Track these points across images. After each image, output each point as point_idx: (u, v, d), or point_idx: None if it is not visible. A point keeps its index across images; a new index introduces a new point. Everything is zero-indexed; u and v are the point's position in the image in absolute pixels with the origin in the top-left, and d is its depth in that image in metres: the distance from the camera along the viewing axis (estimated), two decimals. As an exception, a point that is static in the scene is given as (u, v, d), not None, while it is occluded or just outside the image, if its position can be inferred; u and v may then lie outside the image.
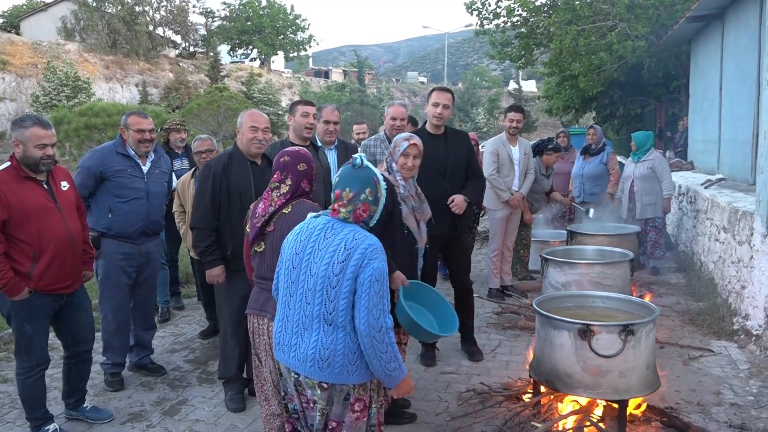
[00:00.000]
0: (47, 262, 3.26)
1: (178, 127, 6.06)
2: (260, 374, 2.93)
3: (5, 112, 28.34)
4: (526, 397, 3.66)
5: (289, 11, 48.25)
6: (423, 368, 4.42)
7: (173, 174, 5.57)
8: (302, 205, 2.74)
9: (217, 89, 27.59)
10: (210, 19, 46.23)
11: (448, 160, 4.41)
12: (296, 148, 2.92)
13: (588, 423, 3.24)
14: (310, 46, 51.10)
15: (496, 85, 62.24)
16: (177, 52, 44.05)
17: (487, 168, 5.93)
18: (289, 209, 2.74)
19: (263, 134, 3.72)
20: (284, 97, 41.08)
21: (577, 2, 13.50)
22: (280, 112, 33.84)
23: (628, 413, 3.23)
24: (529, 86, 55.43)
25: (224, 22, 46.52)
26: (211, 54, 38.62)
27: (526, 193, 6.18)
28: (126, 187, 4.07)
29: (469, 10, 16.03)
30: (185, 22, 41.84)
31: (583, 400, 3.31)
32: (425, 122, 4.61)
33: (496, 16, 15.77)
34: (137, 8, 37.63)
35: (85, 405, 3.74)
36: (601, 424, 3.21)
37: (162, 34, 41.20)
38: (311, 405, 2.33)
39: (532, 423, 3.36)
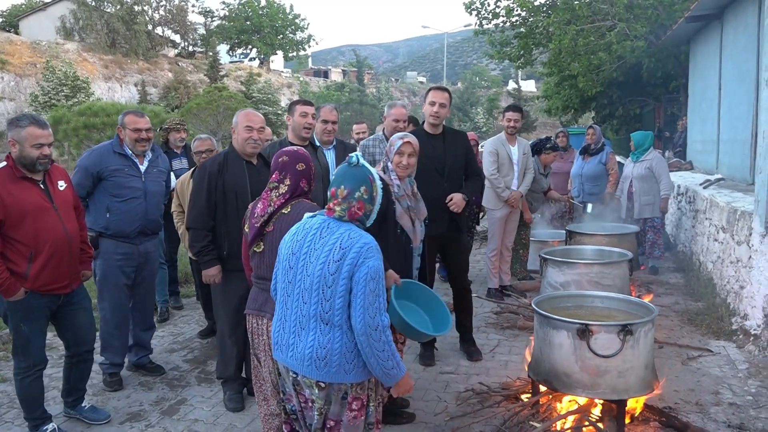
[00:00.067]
0: (43, 263, 3.25)
1: (178, 126, 6.05)
2: (259, 374, 2.93)
3: (4, 112, 28.28)
4: (525, 397, 3.66)
5: (288, 11, 48.21)
6: (422, 368, 4.43)
7: (172, 174, 5.58)
8: (301, 205, 2.74)
9: (216, 89, 27.57)
10: (209, 19, 46.18)
11: (447, 160, 4.41)
12: (295, 147, 2.92)
13: (586, 423, 3.25)
14: (309, 46, 51.06)
15: (495, 85, 62.27)
16: (176, 51, 44.00)
17: (488, 168, 5.94)
18: (289, 209, 2.74)
19: (258, 134, 3.71)
20: (283, 96, 41.05)
21: (576, 2, 13.50)
22: (280, 112, 33.83)
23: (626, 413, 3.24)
24: (529, 86, 55.43)
25: (223, 22, 46.48)
26: (210, 53, 38.56)
27: (525, 192, 6.18)
28: (123, 187, 4.06)
29: (468, 10, 16.02)
30: (184, 22, 41.78)
31: (582, 400, 3.31)
32: (424, 122, 4.62)
33: (495, 16, 15.77)
34: (136, 8, 37.58)
35: (83, 404, 3.74)
36: (599, 424, 3.21)
37: (161, 34, 41.14)
38: (309, 404, 2.33)
39: (531, 423, 3.36)
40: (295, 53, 50.53)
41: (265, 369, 2.88)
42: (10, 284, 3.18)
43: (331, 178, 2.56)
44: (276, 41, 47.51)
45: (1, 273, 3.14)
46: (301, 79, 51.76)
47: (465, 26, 29.84)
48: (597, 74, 13.52)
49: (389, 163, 3.47)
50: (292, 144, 4.04)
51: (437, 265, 6.19)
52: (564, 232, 6.39)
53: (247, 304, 2.92)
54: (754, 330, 4.65)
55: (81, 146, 17.43)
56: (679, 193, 8.27)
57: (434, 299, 2.99)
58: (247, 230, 2.85)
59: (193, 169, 5.06)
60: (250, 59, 49.74)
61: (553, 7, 14.58)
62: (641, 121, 15.75)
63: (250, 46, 48.26)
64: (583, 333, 3.07)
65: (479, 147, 7.90)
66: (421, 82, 67.18)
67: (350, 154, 2.38)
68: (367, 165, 2.37)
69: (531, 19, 15.07)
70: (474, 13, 15.98)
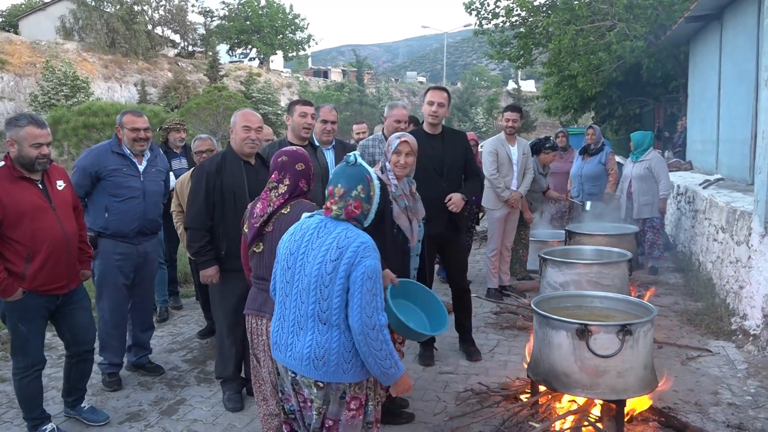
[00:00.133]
0: (41, 263, 3.24)
1: (177, 126, 6.05)
2: (258, 374, 2.93)
3: (3, 112, 28.26)
4: (524, 397, 3.66)
5: (288, 11, 48.19)
6: (421, 368, 4.42)
7: (172, 173, 5.58)
8: (301, 205, 2.74)
9: (215, 89, 27.56)
10: (209, 19, 46.16)
11: (445, 160, 4.41)
12: (294, 147, 2.92)
13: (586, 423, 3.25)
14: (309, 46, 51.05)
15: (495, 85, 62.28)
16: (176, 51, 43.98)
17: (488, 168, 5.94)
18: (288, 210, 2.74)
19: (256, 134, 3.71)
20: (283, 96, 41.04)
21: (575, 2, 13.50)
22: (279, 112, 33.81)
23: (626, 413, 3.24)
24: (528, 86, 55.43)
25: (223, 22, 46.46)
26: (210, 53, 38.55)
27: (525, 192, 6.18)
28: (122, 186, 4.06)
29: (468, 10, 16.01)
30: (184, 22, 41.77)
31: (581, 400, 3.31)
32: (424, 122, 4.62)
33: (495, 16, 15.76)
34: (136, 7, 37.55)
35: (82, 405, 3.73)
36: (598, 424, 3.21)
37: (161, 34, 41.13)
38: (308, 404, 2.34)
39: (530, 423, 3.36)
40: (294, 53, 50.52)
41: (264, 369, 2.88)
42: (7, 284, 3.17)
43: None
44: (276, 41, 47.50)
45: None
46: (301, 79, 51.75)
47: (465, 26, 29.85)
48: (597, 74, 13.51)
49: (387, 163, 3.47)
50: (292, 144, 4.04)
51: (437, 266, 6.19)
52: (563, 232, 6.39)
53: (246, 304, 2.92)
54: (754, 330, 4.65)
55: (80, 146, 17.40)
56: (679, 193, 8.27)
57: (432, 298, 2.99)
58: (246, 230, 2.85)
59: (192, 168, 5.06)
60: (250, 59, 49.73)
61: (552, 7, 14.57)
62: (641, 121, 15.74)
63: (249, 46, 48.25)
64: (583, 333, 3.07)
65: (479, 147, 7.89)
66: (421, 82, 67.18)
67: (348, 154, 2.38)
68: (365, 164, 2.38)
69: (531, 19, 15.07)
70: (474, 13, 15.98)
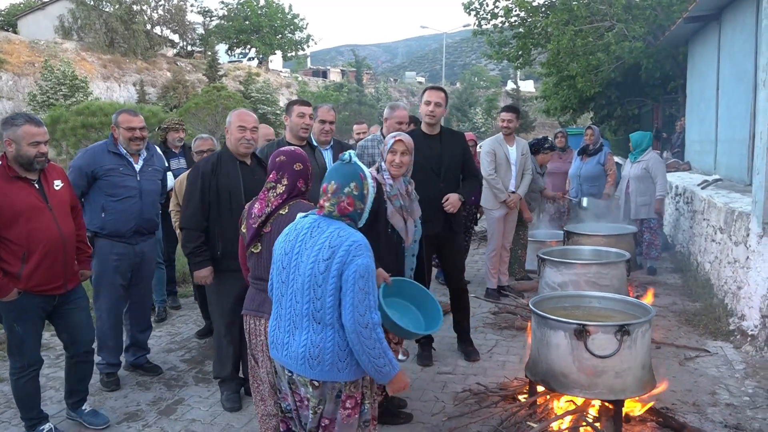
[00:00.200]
0: (36, 263, 3.23)
1: (176, 126, 6.05)
2: (256, 374, 2.93)
3: (2, 111, 28.21)
4: (522, 397, 3.66)
5: (287, 11, 48.17)
6: (420, 368, 4.42)
7: (171, 173, 5.57)
8: (299, 205, 2.74)
9: (214, 88, 27.53)
10: (208, 19, 46.11)
11: (443, 160, 4.41)
12: (292, 147, 2.92)
13: (584, 423, 3.25)
14: (308, 46, 51.02)
15: (494, 85, 62.28)
16: (175, 51, 43.95)
17: (485, 168, 5.94)
18: (286, 210, 2.74)
19: (251, 134, 3.70)
20: (282, 96, 41.01)
21: (574, 3, 13.50)
22: (278, 112, 33.79)
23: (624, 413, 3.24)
24: (527, 86, 55.43)
25: (222, 22, 46.42)
26: (209, 53, 38.50)
27: (524, 194, 6.18)
28: (118, 186, 4.05)
29: (467, 10, 16.02)
30: (183, 22, 41.73)
31: (579, 400, 3.31)
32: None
33: (494, 16, 15.76)
34: (135, 7, 37.52)
35: (83, 408, 3.69)
36: (596, 424, 3.21)
37: (160, 33, 41.09)
38: (304, 403, 2.35)
39: (528, 423, 3.37)
40: (293, 53, 50.48)
41: (262, 369, 2.88)
42: (2, 284, 3.16)
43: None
44: (275, 41, 47.47)
45: None
46: (300, 79, 51.73)
47: (464, 26, 29.87)
48: (595, 75, 13.52)
49: (383, 163, 3.47)
50: (290, 144, 4.04)
51: (436, 269, 6.19)
52: (562, 232, 6.39)
53: (245, 305, 2.92)
54: (752, 330, 4.65)
55: (79, 146, 17.37)
56: (677, 193, 8.27)
57: (427, 297, 2.99)
58: (244, 231, 2.85)
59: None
60: (249, 59, 49.70)
61: (551, 7, 14.57)
62: (639, 122, 15.76)
63: (248, 46, 48.21)
64: (581, 333, 3.07)
65: (477, 147, 7.90)
66: (420, 82, 67.18)
67: (343, 152, 2.39)
68: (359, 163, 2.39)
69: (529, 19, 15.07)
70: (473, 13, 15.98)
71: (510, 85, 54.76)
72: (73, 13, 36.02)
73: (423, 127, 4.52)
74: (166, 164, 5.54)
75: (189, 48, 44.74)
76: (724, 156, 8.14)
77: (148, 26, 38.91)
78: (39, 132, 3.23)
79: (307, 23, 49.60)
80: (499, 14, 15.57)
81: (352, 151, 2.41)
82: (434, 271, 6.35)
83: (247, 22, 46.10)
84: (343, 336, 2.21)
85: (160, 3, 39.97)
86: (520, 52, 15.95)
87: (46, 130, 3.32)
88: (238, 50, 48.92)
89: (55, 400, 3.99)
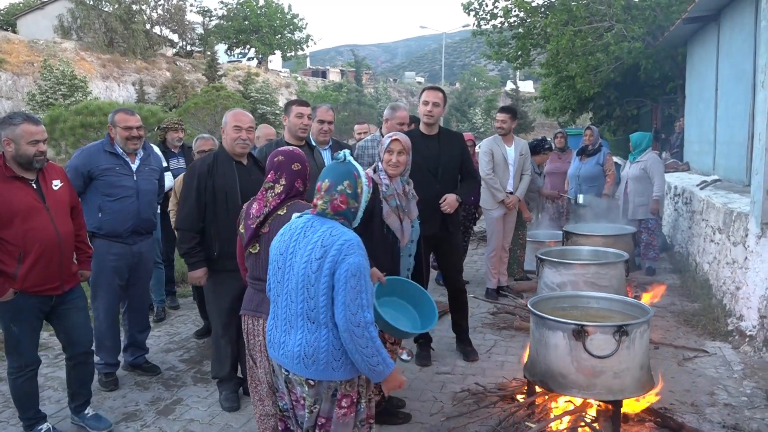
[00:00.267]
0: (32, 263, 3.21)
1: (175, 126, 6.05)
2: (254, 375, 2.93)
3: (1, 110, 28.21)
4: (521, 398, 3.66)
5: (286, 11, 48.16)
6: (418, 368, 4.42)
7: (170, 173, 5.58)
8: (297, 206, 2.74)
9: (214, 88, 27.51)
10: (207, 18, 46.08)
11: (441, 161, 4.41)
12: (290, 147, 2.92)
13: (582, 423, 3.25)
14: (307, 46, 51.00)
15: (493, 86, 62.28)
16: (174, 51, 43.93)
17: (483, 168, 5.95)
18: (285, 211, 2.74)
19: (247, 133, 3.70)
20: (281, 96, 40.99)
21: (573, 3, 13.50)
22: (277, 112, 33.78)
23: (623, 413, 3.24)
24: (527, 87, 55.46)
25: (221, 21, 46.40)
26: (209, 53, 38.47)
27: (523, 195, 6.18)
28: (115, 186, 4.03)
29: (467, 11, 16.03)
30: (182, 21, 41.70)
31: (578, 401, 3.32)
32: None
33: (493, 16, 15.77)
34: (134, 7, 37.49)
35: (86, 411, 3.64)
36: (595, 425, 3.22)
37: (159, 33, 41.08)
38: (300, 402, 2.36)
39: (527, 423, 3.37)
40: (293, 53, 50.47)
41: (260, 369, 2.88)
42: None
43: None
44: (274, 41, 47.45)
45: None
46: (299, 79, 51.72)
47: (463, 27, 29.85)
48: (594, 75, 13.53)
49: (380, 163, 3.47)
50: (289, 144, 4.04)
51: (436, 271, 6.20)
52: (561, 232, 6.40)
53: (243, 305, 2.92)
54: (750, 331, 4.65)
55: (78, 145, 17.34)
56: (676, 194, 8.28)
57: (423, 296, 2.99)
58: (242, 231, 2.85)
59: (189, 168, 5.05)
60: (248, 59, 49.68)
61: (550, 8, 14.58)
62: (638, 122, 15.76)
63: (248, 46, 48.20)
64: (579, 334, 3.07)
65: (476, 147, 7.92)
66: (420, 83, 67.20)
67: (338, 152, 2.40)
68: (354, 162, 2.39)
69: (529, 20, 15.08)
70: (472, 13, 15.99)
71: (509, 86, 54.79)
72: (72, 13, 36.00)
73: (421, 128, 4.52)
74: (165, 164, 5.54)
75: (188, 48, 44.72)
76: (722, 156, 8.15)
77: (148, 26, 38.90)
78: (37, 131, 3.22)
79: (307, 23, 49.60)
80: (499, 15, 15.58)
81: (346, 151, 2.42)
82: (435, 273, 6.35)
83: (246, 22, 46.09)
84: (337, 335, 2.22)
85: (159, 3, 39.95)
86: (519, 53, 15.96)
87: (44, 128, 3.31)
88: (238, 50, 48.91)
89: (54, 400, 3.99)
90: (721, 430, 3.44)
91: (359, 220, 2.40)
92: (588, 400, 3.26)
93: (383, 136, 5.00)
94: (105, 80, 34.16)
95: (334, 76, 60.98)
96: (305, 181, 2.82)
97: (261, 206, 2.77)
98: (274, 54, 49.57)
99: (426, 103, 4.41)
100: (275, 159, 2.79)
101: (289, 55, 50.52)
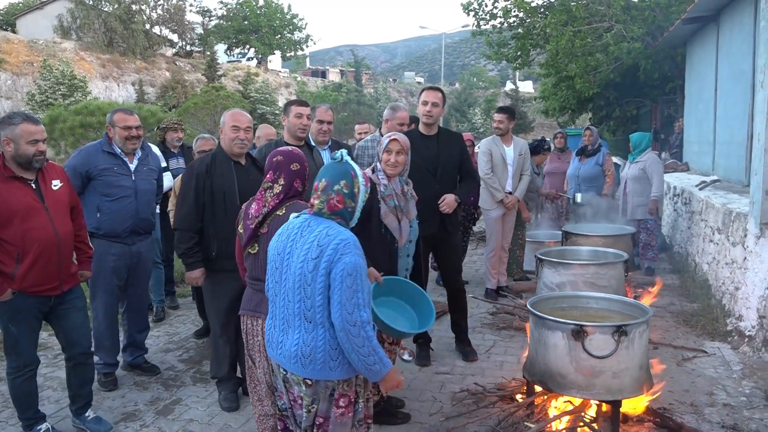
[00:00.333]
0: (30, 263, 3.20)
1: (175, 126, 6.05)
2: (253, 375, 2.93)
3: (0, 110, 28.20)
4: (520, 398, 3.67)
5: (286, 11, 48.17)
6: (417, 368, 4.43)
7: (170, 173, 5.58)
8: (296, 206, 2.74)
9: (213, 88, 27.51)
10: (207, 18, 46.08)
11: (440, 161, 4.41)
12: (289, 147, 2.92)
13: (581, 423, 3.25)
14: (307, 46, 51.02)
15: (492, 86, 62.36)
16: (174, 51, 43.93)
17: (482, 168, 5.95)
18: (283, 211, 2.74)
19: (245, 133, 3.70)
20: (281, 96, 41.00)
21: (573, 3, 13.51)
22: (277, 112, 33.81)
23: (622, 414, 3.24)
24: (526, 87, 55.49)
25: (221, 22, 46.40)
26: (208, 53, 38.48)
27: (522, 196, 6.18)
28: (113, 186, 4.03)
29: (466, 11, 16.05)
30: (182, 21, 41.70)
31: (577, 401, 3.32)
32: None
33: (493, 16, 15.78)
34: (134, 7, 37.49)
35: (87, 414, 3.62)
36: (594, 425, 3.22)
37: (159, 33, 41.07)
38: (298, 401, 2.36)
39: (526, 423, 3.37)
40: (293, 53, 50.48)
41: (259, 370, 2.88)
42: None
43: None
44: (274, 41, 47.46)
45: None
46: (299, 79, 51.74)
47: (463, 27, 29.82)
48: (594, 75, 13.53)
49: (378, 163, 3.47)
50: (288, 144, 4.04)
51: (437, 273, 6.20)
52: (560, 232, 6.40)
53: (242, 305, 2.92)
54: (749, 331, 4.66)
55: (77, 145, 17.32)
56: (675, 194, 8.28)
57: (422, 296, 3.00)
58: (241, 231, 2.85)
59: (188, 169, 5.04)
60: (248, 59, 49.69)
61: (550, 8, 14.59)
62: (638, 123, 15.78)
63: (247, 46, 48.21)
64: (578, 334, 3.07)
65: (475, 148, 7.92)
66: (419, 83, 67.27)
67: (335, 152, 2.41)
68: (351, 162, 2.40)
69: (528, 20, 15.09)
70: (471, 13, 16.01)
71: (509, 86, 54.80)
72: (72, 13, 35.99)
73: (420, 128, 4.52)
74: (165, 164, 5.54)
75: (188, 48, 44.72)
76: (722, 157, 8.15)
77: (147, 26, 38.90)
78: (37, 130, 3.22)
79: (306, 23, 49.61)
80: (498, 15, 15.59)
81: (343, 150, 2.43)
82: (436, 274, 6.35)
83: (246, 22, 46.10)
84: (334, 335, 2.22)
85: (159, 3, 39.95)
86: (518, 53, 15.97)
87: (43, 128, 3.31)
88: (237, 50, 48.92)
89: (53, 400, 3.99)
90: (720, 430, 3.44)
91: (356, 220, 2.40)
92: (587, 400, 3.26)
93: (381, 135, 5.03)
94: (104, 80, 34.16)
95: (333, 76, 61.00)
96: (304, 182, 2.82)
97: (260, 206, 2.78)
98: (274, 54, 49.58)
99: (425, 103, 4.42)
100: (274, 159, 2.79)
101: (288, 55, 50.54)
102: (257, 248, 2.79)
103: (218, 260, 3.64)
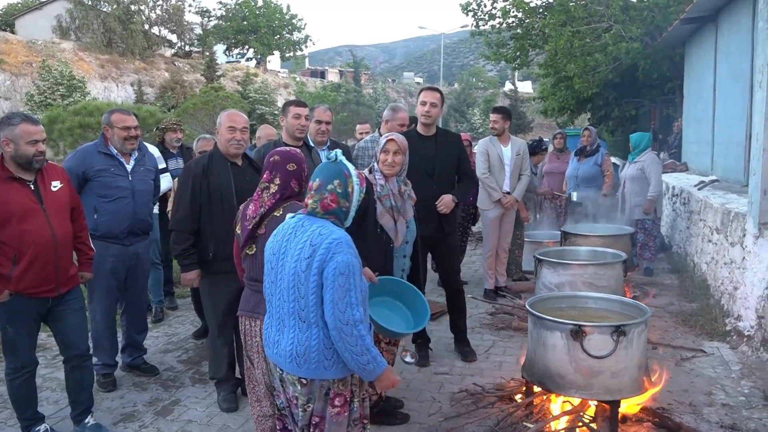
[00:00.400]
0: (27, 265, 3.18)
1: (174, 126, 6.04)
2: (252, 376, 2.93)
3: (-1, 111, 28.22)
4: (519, 398, 3.67)
5: (285, 11, 48.20)
6: (416, 369, 4.42)
7: (169, 174, 5.57)
8: (293, 207, 2.74)
9: (212, 89, 27.55)
10: (206, 19, 46.13)
11: (437, 161, 4.41)
12: (287, 148, 2.92)
13: (580, 423, 3.26)
14: (306, 46, 51.08)
15: (492, 86, 62.44)
16: (173, 51, 43.94)
17: (479, 168, 5.95)
18: (281, 212, 2.74)
19: (242, 134, 3.69)
20: (280, 97, 41.02)
21: (571, 4, 13.53)
22: (276, 112, 33.82)
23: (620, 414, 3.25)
24: (525, 87, 55.54)
25: (220, 22, 46.44)
26: (207, 53, 38.51)
27: (521, 196, 6.17)
28: (110, 187, 4.02)
29: (465, 11, 16.07)
30: (181, 22, 41.73)
31: (576, 401, 3.32)
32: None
33: (492, 17, 15.81)
34: (133, 7, 37.50)
35: (86, 420, 3.56)
36: (593, 425, 3.22)
37: (158, 34, 41.09)
38: (294, 401, 2.37)
39: (525, 423, 3.37)
40: (292, 53, 50.53)
41: (258, 370, 2.88)
42: None
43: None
44: (273, 41, 47.50)
45: None
46: (298, 79, 51.77)
47: (462, 27, 29.84)
48: (593, 76, 13.55)
49: (376, 163, 3.47)
50: (286, 145, 4.04)
51: (436, 274, 6.20)
52: (559, 232, 6.40)
53: (240, 306, 2.92)
54: (748, 331, 4.66)
55: (76, 146, 17.29)
56: (674, 194, 8.29)
57: (417, 296, 2.99)
58: (239, 232, 2.85)
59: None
60: (247, 59, 49.72)
61: (548, 8, 14.61)
62: (637, 123, 15.80)
63: (246, 46, 48.24)
64: (577, 334, 3.08)
65: (473, 148, 7.93)
66: (418, 83, 67.33)
67: (331, 152, 2.41)
68: (346, 162, 2.40)
69: (527, 20, 15.12)
70: (470, 14, 16.04)
71: (508, 86, 54.86)
72: (70, 13, 36.00)
73: (419, 128, 4.52)
74: (164, 165, 5.54)
75: (187, 48, 44.74)
76: (721, 157, 8.16)
77: (146, 26, 38.92)
78: (36, 130, 3.21)
79: (306, 24, 49.66)
80: (497, 15, 15.62)
81: (338, 151, 2.43)
82: (436, 276, 6.35)
83: (245, 23, 46.14)
84: (327, 334, 2.23)
85: (158, 3, 39.98)
86: (517, 53, 16.00)
87: (42, 128, 3.29)
88: (236, 50, 48.95)
89: (52, 401, 3.99)
90: (719, 430, 3.45)
91: (351, 220, 2.41)
92: (586, 400, 3.26)
93: (380, 135, 5.02)
94: (103, 81, 34.16)
95: (332, 76, 61.04)
96: (301, 182, 2.82)
97: (257, 207, 2.77)
98: (273, 54, 49.62)
99: (424, 103, 4.42)
100: (271, 159, 2.80)
101: (287, 55, 50.59)
102: (255, 249, 2.79)
103: (215, 262, 3.63)
